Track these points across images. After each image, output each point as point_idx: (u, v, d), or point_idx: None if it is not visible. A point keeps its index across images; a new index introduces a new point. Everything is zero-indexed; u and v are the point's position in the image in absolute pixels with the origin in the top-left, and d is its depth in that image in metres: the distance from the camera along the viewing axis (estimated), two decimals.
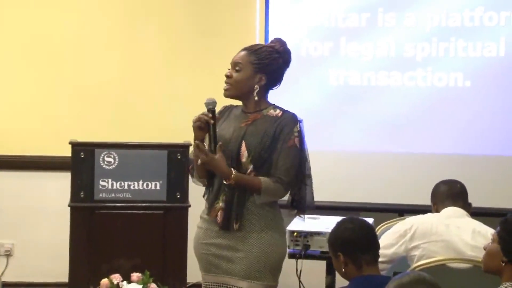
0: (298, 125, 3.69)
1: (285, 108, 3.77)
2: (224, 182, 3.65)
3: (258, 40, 5.72)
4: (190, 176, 3.88)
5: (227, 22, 5.84)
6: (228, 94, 3.73)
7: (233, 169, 3.62)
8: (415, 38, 5.48)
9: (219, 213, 3.69)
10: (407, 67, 5.49)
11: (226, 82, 3.72)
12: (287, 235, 4.19)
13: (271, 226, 3.68)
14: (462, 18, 5.42)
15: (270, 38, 5.51)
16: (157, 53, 5.91)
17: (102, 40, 5.91)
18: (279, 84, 3.81)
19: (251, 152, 3.64)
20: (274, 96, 5.52)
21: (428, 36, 5.46)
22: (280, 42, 3.81)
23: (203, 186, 3.82)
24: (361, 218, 3.44)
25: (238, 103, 3.82)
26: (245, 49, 3.75)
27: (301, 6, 5.61)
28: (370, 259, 3.27)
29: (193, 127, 3.65)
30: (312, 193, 3.77)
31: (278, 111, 3.73)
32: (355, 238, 3.27)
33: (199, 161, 3.64)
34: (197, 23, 5.91)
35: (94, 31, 5.90)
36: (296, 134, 3.67)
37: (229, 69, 3.73)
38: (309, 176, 3.75)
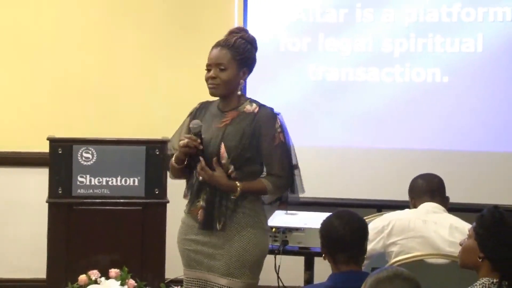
0: (277, 120, 3.69)
1: (261, 102, 3.76)
2: (232, 196, 3.62)
3: None
4: (171, 176, 3.86)
5: (206, 17, 5.83)
6: (216, 93, 3.69)
7: (237, 182, 3.61)
8: (393, 34, 5.50)
9: (199, 212, 3.69)
10: (385, 63, 5.50)
11: (211, 83, 3.67)
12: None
13: (252, 224, 3.68)
14: (439, 13, 5.45)
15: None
16: (136, 49, 5.89)
17: (81, 35, 5.89)
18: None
19: (230, 153, 3.63)
20: (253, 91, 5.54)
21: (406, 31, 5.48)
22: (244, 30, 3.82)
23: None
24: (354, 217, 3.32)
25: (195, 100, 3.83)
26: (220, 45, 3.70)
27: (279, 1, 5.62)
28: (346, 258, 3.25)
29: (180, 152, 3.61)
30: (301, 181, 3.78)
31: (254, 106, 3.70)
32: (334, 235, 3.26)
33: (200, 178, 3.61)
34: (176, 18, 5.90)
35: (73, 25, 5.87)
36: (279, 130, 3.67)
37: (207, 69, 3.69)
38: (297, 167, 3.76)
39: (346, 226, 3.26)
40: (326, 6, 5.56)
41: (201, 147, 3.57)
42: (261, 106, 3.72)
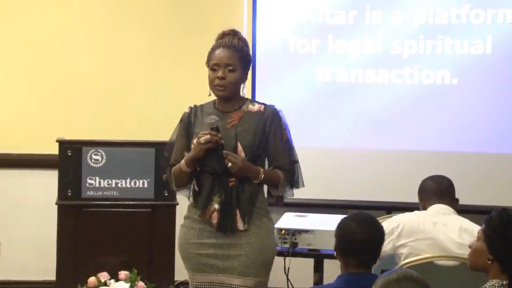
0: (281, 118, 3.77)
1: (265, 102, 3.83)
2: (255, 181, 3.68)
3: (246, 38, 5.70)
4: (173, 186, 3.88)
5: (214, 19, 5.81)
6: (224, 94, 3.72)
7: (260, 167, 3.68)
8: (402, 36, 5.49)
9: (213, 215, 3.70)
10: (394, 65, 5.50)
11: (220, 84, 3.69)
12: (275, 233, 4.20)
13: (265, 223, 3.74)
14: (449, 15, 5.44)
15: (258, 36, 5.56)
16: (143, 50, 5.90)
17: (87, 37, 5.88)
18: None
19: (247, 152, 3.68)
20: (262, 92, 5.55)
21: (415, 33, 5.47)
22: (239, 33, 3.84)
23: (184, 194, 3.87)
24: (373, 221, 3.32)
25: (202, 101, 3.85)
26: (226, 47, 3.72)
27: (288, 3, 5.61)
28: (358, 262, 3.24)
29: (202, 148, 3.64)
30: (301, 175, 3.85)
31: (257, 105, 3.77)
32: (350, 238, 3.24)
33: (229, 165, 3.62)
34: (183, 20, 5.90)
35: (78, 28, 5.87)
36: (284, 126, 3.75)
37: (213, 68, 3.71)
38: (297, 161, 3.84)
39: (364, 232, 3.25)
40: (336, 8, 5.56)
41: (222, 141, 3.63)
42: (265, 105, 3.78)
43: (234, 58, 3.69)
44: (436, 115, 5.47)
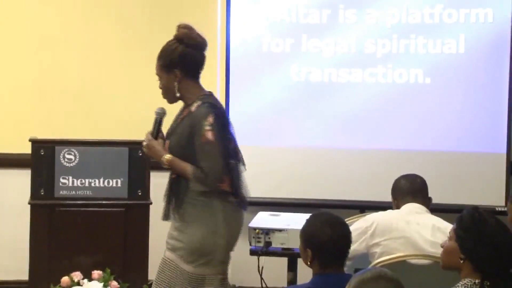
0: (209, 117, 3.75)
1: (210, 102, 3.85)
2: (163, 166, 3.85)
3: (220, 37, 5.71)
4: None
5: (188, 17, 5.72)
6: (168, 101, 3.92)
7: (167, 154, 3.79)
8: (375, 35, 5.51)
9: None
10: (368, 64, 5.52)
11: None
12: (248, 232, 4.20)
13: (204, 216, 3.79)
14: (422, 15, 5.47)
15: (232, 35, 5.56)
16: (117, 49, 5.88)
17: (62, 35, 5.85)
18: (199, 68, 3.90)
19: (172, 151, 3.81)
20: (236, 91, 5.55)
21: (389, 32, 5.50)
22: (179, 27, 3.94)
23: None
24: (341, 221, 3.34)
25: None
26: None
27: (262, 2, 5.61)
28: (338, 263, 3.27)
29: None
30: (241, 180, 3.89)
31: (196, 105, 3.82)
32: (330, 245, 3.24)
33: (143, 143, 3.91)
34: (157, 18, 5.88)
35: (53, 26, 5.84)
36: (208, 127, 3.74)
37: None
38: (236, 166, 3.85)
39: (340, 238, 3.27)
40: (309, 7, 5.56)
41: (151, 136, 3.87)
42: (200, 105, 3.81)
43: (157, 68, 3.90)
44: (409, 114, 5.50)
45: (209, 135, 3.72)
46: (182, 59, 3.84)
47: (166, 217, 3.86)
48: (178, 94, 3.84)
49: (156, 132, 3.89)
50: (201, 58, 3.90)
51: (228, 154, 3.80)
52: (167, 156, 3.80)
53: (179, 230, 3.84)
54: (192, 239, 3.80)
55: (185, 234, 3.82)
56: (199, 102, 3.80)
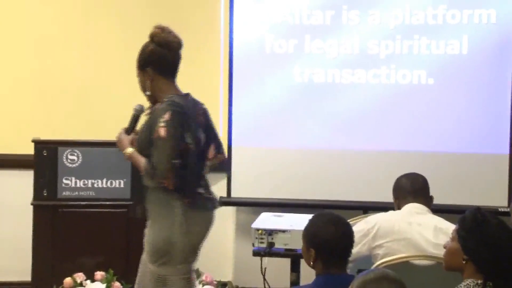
0: (166, 114, 3.75)
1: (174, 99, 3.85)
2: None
3: (223, 37, 5.71)
4: None
5: (190, 18, 5.80)
6: (147, 99, 3.95)
7: (130, 148, 3.86)
8: (379, 36, 5.50)
9: None
10: (371, 65, 5.51)
11: None
12: (251, 233, 4.20)
13: (163, 214, 3.82)
14: (425, 16, 5.46)
15: (235, 36, 5.56)
16: (119, 49, 5.86)
17: (63, 36, 5.85)
18: (172, 67, 3.92)
19: (140, 147, 3.85)
20: (239, 92, 5.55)
21: (392, 33, 5.49)
22: (154, 27, 3.99)
23: None
24: (344, 221, 3.34)
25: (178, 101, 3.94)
26: None
27: (265, 3, 5.61)
28: (341, 263, 3.26)
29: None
30: (206, 185, 3.93)
31: (162, 103, 3.83)
32: (333, 244, 3.24)
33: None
34: (160, 19, 5.77)
35: (55, 27, 5.85)
36: (162, 124, 3.74)
37: None
38: (185, 167, 3.78)
39: (344, 236, 3.27)
40: (313, 8, 5.56)
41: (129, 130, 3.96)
42: (163, 102, 3.82)
43: (136, 68, 3.95)
44: (412, 115, 5.49)
45: (161, 131, 3.72)
46: (152, 57, 3.89)
47: (133, 213, 4.00)
48: (148, 92, 3.88)
49: (131, 127, 3.97)
50: (174, 57, 3.91)
51: (176, 153, 3.74)
52: (129, 150, 3.87)
53: (148, 227, 3.92)
54: (153, 238, 3.84)
55: (149, 232, 3.88)
56: (165, 100, 3.81)
